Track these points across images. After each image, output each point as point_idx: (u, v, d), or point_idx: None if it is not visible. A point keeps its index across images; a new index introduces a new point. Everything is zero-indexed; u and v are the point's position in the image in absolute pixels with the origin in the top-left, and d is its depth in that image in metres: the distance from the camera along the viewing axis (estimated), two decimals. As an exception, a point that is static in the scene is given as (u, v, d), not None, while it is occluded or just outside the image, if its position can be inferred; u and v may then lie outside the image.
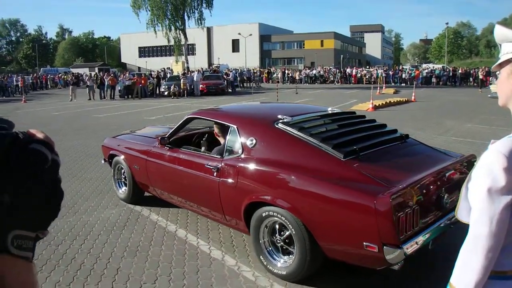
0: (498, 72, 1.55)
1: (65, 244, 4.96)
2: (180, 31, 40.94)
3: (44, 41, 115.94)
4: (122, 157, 6.21)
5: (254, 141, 4.33)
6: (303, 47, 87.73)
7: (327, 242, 3.67)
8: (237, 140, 4.50)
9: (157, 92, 32.97)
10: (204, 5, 41.06)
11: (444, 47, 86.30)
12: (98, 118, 18.22)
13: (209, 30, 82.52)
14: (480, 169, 1.42)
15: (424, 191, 3.60)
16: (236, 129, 4.55)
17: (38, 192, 0.63)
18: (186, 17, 40.97)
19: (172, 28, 40.42)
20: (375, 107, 19.93)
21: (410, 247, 3.28)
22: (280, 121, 4.46)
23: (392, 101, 22.61)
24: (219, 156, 4.61)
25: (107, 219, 5.80)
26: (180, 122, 5.57)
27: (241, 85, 42.41)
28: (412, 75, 43.78)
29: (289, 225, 3.82)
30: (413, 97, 24.47)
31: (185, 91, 30.55)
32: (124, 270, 4.33)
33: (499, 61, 1.51)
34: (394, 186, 3.40)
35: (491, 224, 1.37)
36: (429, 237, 3.52)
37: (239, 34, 69.67)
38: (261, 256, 4.22)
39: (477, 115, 16.99)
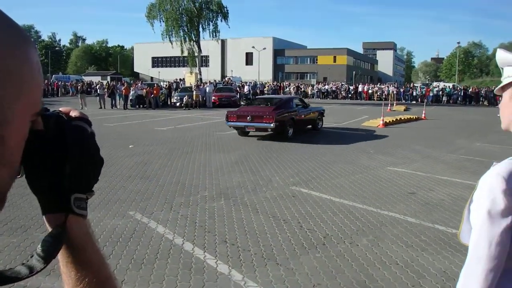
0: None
1: (71, 254, 4.93)
2: (194, 43, 41.19)
3: (57, 48, 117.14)
4: None
5: None
6: (316, 62, 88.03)
7: None
8: None
9: (169, 102, 33.09)
10: (219, 17, 41.32)
11: (455, 66, 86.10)
12: (109, 127, 18.28)
13: (223, 43, 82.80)
14: (480, 191, 1.43)
15: None
16: None
17: (87, 161, 0.75)
18: (200, 29, 41.24)
19: (187, 39, 40.68)
20: (386, 124, 19.85)
21: None
22: None
23: (402, 118, 22.53)
24: None
25: (113, 230, 5.77)
26: None
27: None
28: (423, 93, 43.71)
29: None
30: (423, 115, 24.40)
31: (198, 103, 30.64)
32: (129, 283, 4.29)
33: (501, 84, 1.53)
34: None
35: (490, 246, 1.37)
36: None
37: (253, 47, 70.04)
38: None
39: (487, 134, 16.87)
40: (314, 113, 17.81)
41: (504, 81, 1.52)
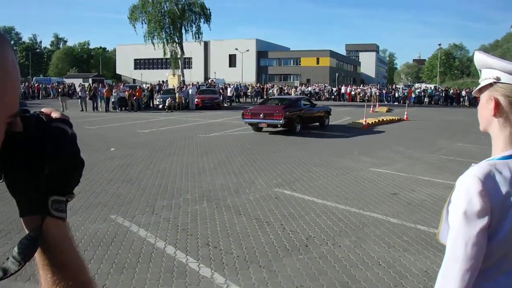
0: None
1: (51, 259, 4.86)
2: (177, 44, 41.04)
3: (38, 50, 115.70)
4: None
5: None
6: (299, 64, 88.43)
7: None
8: None
9: (152, 105, 32.89)
10: (202, 19, 41.23)
11: (437, 67, 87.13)
12: (90, 129, 18.09)
13: (206, 44, 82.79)
14: (457, 192, 1.45)
15: None
16: None
17: (68, 163, 0.76)
18: (183, 31, 41.10)
19: (169, 41, 40.51)
20: (368, 125, 20.00)
21: None
22: None
23: (385, 120, 22.74)
24: None
25: (94, 234, 5.70)
26: None
27: (237, 100, 42.51)
28: (405, 94, 44.17)
29: None
30: (405, 116, 24.64)
31: (180, 105, 30.53)
32: (110, 287, 4.24)
33: (479, 86, 1.56)
34: None
35: (466, 247, 1.39)
36: None
37: (236, 49, 70.04)
38: None
39: (468, 134, 17.08)
40: (321, 112, 19.65)
41: (482, 83, 1.54)
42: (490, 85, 1.52)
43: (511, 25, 21.33)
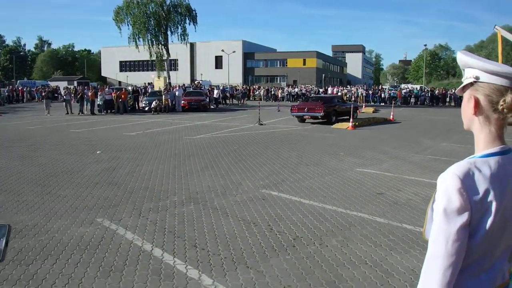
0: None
1: (36, 264, 4.81)
2: (163, 46, 40.89)
3: (22, 53, 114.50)
4: None
5: None
6: (286, 65, 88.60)
7: None
8: None
9: (137, 107, 32.73)
10: (187, 21, 41.13)
11: (422, 68, 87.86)
12: (75, 133, 17.98)
13: (192, 46, 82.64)
14: (438, 190, 1.48)
15: None
16: None
17: None
18: (169, 33, 40.97)
19: (154, 43, 40.34)
20: (355, 126, 20.10)
21: None
22: None
23: (371, 120, 22.89)
24: None
25: (81, 237, 5.66)
26: None
27: (224, 102, 42.48)
28: (391, 95, 44.45)
29: None
30: (391, 117, 24.82)
31: (167, 107, 30.41)
32: (96, 291, 4.21)
33: (462, 85, 1.59)
34: None
35: (447, 244, 1.41)
36: None
37: (223, 50, 69.98)
38: None
39: (453, 134, 17.26)
40: (349, 107, 22.98)
41: (465, 81, 1.57)
42: (471, 84, 1.55)
43: (494, 26, 21.46)
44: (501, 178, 1.47)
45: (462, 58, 1.59)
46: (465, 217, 1.42)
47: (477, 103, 1.53)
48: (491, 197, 1.43)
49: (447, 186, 1.44)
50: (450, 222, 1.42)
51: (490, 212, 1.43)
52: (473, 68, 1.54)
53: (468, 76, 1.56)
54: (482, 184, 1.44)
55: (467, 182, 1.43)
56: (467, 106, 1.57)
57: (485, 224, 1.44)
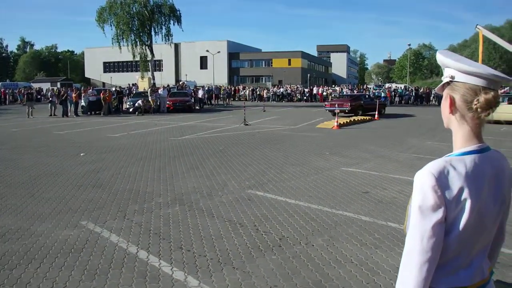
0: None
1: (20, 268, 4.75)
2: (147, 47, 40.66)
3: (4, 54, 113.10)
4: None
5: None
6: (271, 65, 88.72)
7: None
8: None
9: (121, 108, 32.50)
10: (172, 21, 40.94)
11: (407, 67, 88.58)
12: (59, 135, 17.80)
13: (177, 46, 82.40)
14: (414, 188, 1.52)
15: None
16: None
17: None
18: (153, 33, 40.76)
19: (138, 43, 40.08)
20: (340, 125, 20.20)
21: None
22: None
23: (356, 120, 23.06)
24: None
25: (65, 241, 5.60)
26: None
27: (209, 102, 42.38)
28: (376, 94, 44.85)
29: None
30: (376, 116, 25.00)
31: (152, 108, 30.24)
32: (81, 295, 4.17)
33: (440, 85, 1.63)
34: None
35: (422, 240, 1.45)
36: None
37: (207, 51, 69.76)
38: None
39: (438, 133, 17.42)
40: (374, 104, 27.52)
41: (444, 80, 1.60)
42: (448, 83, 1.58)
43: (476, 25, 21.96)
44: (477, 176, 1.49)
45: (439, 58, 1.62)
46: (440, 214, 1.45)
47: (452, 102, 1.57)
48: (466, 194, 1.46)
49: (422, 184, 1.48)
50: (425, 219, 1.45)
51: (465, 209, 1.46)
52: (449, 68, 1.58)
53: (445, 76, 1.59)
54: (456, 182, 1.46)
55: (442, 179, 1.46)
56: (444, 105, 1.61)
57: (460, 221, 1.47)
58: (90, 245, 5.44)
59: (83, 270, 4.70)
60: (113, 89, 37.96)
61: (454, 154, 1.55)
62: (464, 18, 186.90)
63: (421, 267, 1.44)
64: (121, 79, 71.87)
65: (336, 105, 26.05)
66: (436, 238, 1.44)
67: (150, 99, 30.40)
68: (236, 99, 51.39)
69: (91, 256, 5.10)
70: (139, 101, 29.79)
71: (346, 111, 26.25)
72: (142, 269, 4.74)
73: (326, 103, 29.81)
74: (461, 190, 1.46)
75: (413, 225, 1.48)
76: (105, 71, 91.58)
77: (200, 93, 38.76)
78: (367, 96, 30.71)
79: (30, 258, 5.02)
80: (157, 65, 64.95)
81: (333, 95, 47.12)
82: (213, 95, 44.23)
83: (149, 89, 33.35)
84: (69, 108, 28.99)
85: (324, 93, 49.30)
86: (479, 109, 1.50)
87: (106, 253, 5.18)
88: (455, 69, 1.55)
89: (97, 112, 29.44)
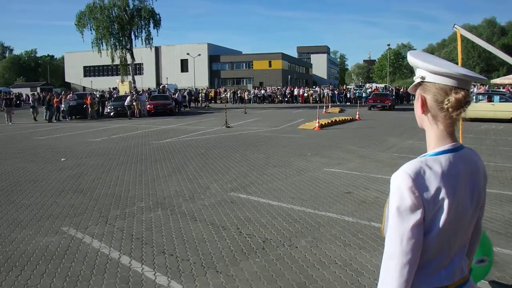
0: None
1: (1, 276, 4.67)
2: (127, 51, 40.41)
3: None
4: None
5: None
6: (252, 68, 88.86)
7: None
8: None
9: (101, 112, 32.22)
10: (151, 25, 40.78)
11: (386, 67, 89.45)
12: (39, 140, 17.56)
13: (157, 50, 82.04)
14: (391, 189, 1.51)
15: None
16: None
17: None
18: (133, 37, 40.56)
19: (118, 47, 39.83)
20: (321, 126, 20.28)
21: None
22: None
23: (337, 120, 23.14)
24: None
25: (46, 247, 5.52)
26: None
27: (189, 105, 42.26)
28: (357, 94, 45.38)
29: None
30: (357, 116, 25.17)
31: (135, 112, 30.03)
32: (63, 302, 4.11)
33: (412, 85, 1.65)
34: None
35: (401, 242, 1.44)
36: None
37: (188, 54, 69.62)
38: None
39: (419, 131, 17.42)
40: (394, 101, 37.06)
41: (415, 80, 1.62)
42: (419, 84, 1.60)
43: (454, 25, 22.04)
44: (452, 175, 1.50)
45: (410, 59, 1.64)
46: (418, 215, 1.45)
47: (424, 102, 1.58)
48: (443, 194, 1.46)
49: (399, 185, 1.47)
50: (403, 221, 1.45)
51: (443, 209, 1.46)
52: (420, 69, 1.59)
53: (416, 76, 1.60)
54: (433, 182, 1.47)
55: (418, 180, 1.46)
56: (416, 105, 1.62)
57: (439, 221, 1.47)
58: (72, 252, 5.37)
59: (65, 277, 4.63)
60: (95, 93, 37.64)
61: (429, 154, 1.56)
62: (442, 18, 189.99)
63: (401, 270, 1.43)
64: (101, 83, 71.37)
65: (378, 101, 33.00)
66: (416, 239, 1.44)
67: (134, 104, 30.16)
68: (218, 102, 51.30)
69: (73, 262, 5.04)
70: (128, 98, 29.62)
71: (387, 106, 33.28)
72: (125, 275, 4.69)
73: (369, 99, 36.26)
74: (438, 190, 1.46)
75: (392, 227, 1.47)
76: (85, 75, 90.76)
77: (179, 96, 38.55)
78: (392, 95, 39.42)
79: (11, 266, 4.94)
80: (138, 69, 64.72)
81: (314, 96, 47.47)
82: (193, 98, 44.14)
83: (134, 94, 32.85)
84: (55, 113, 28.47)
85: (305, 94, 49.48)
86: (450, 109, 1.52)
87: (88, 259, 5.12)
88: (424, 69, 1.57)
89: (77, 116, 29.09)
